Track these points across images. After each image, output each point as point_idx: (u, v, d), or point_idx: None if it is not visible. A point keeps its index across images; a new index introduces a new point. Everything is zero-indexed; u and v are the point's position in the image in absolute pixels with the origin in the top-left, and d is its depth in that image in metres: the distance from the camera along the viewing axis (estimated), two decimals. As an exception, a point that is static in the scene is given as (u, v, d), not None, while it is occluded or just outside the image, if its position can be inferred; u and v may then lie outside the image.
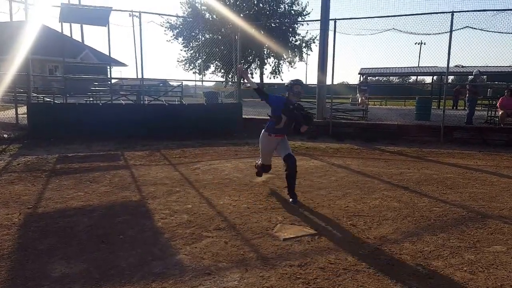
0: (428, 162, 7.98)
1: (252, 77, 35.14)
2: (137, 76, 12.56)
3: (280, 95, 5.26)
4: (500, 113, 11.38)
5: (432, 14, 10.58)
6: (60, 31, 13.71)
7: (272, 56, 33.92)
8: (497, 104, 11.83)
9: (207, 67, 29.56)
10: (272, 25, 29.91)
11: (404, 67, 28.29)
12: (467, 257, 3.39)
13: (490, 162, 8.03)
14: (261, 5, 32.39)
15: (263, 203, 4.87)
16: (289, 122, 5.03)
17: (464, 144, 10.00)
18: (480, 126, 11.35)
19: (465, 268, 3.17)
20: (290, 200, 4.96)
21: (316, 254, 3.40)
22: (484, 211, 4.70)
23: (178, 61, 32.23)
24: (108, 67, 17.31)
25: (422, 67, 29.35)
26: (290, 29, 32.29)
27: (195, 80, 30.90)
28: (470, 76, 12.92)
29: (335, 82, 12.92)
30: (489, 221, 4.34)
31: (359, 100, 16.85)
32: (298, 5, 32.37)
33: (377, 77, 33.68)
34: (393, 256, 3.40)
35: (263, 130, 5.24)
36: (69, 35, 31.32)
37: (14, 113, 10.30)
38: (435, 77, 30.33)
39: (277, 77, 34.51)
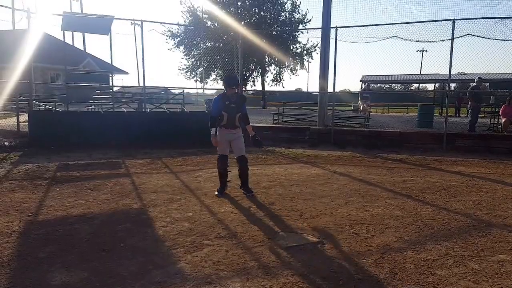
0: (431, 170, 7.95)
1: (254, 85, 35.32)
2: (138, 84, 12.63)
3: (219, 95, 5.48)
4: (503, 120, 11.37)
5: (434, 22, 10.62)
6: (62, 39, 13.82)
7: (274, 63, 34.06)
8: (500, 112, 11.83)
9: (209, 75, 29.69)
10: (274, 33, 30.05)
11: (406, 75, 28.34)
12: (471, 266, 3.35)
13: (494, 170, 7.99)
14: (262, 13, 32.62)
15: (264, 211, 4.85)
16: (230, 117, 5.35)
17: (467, 152, 9.96)
18: (483, 133, 11.31)
19: (469, 277, 3.13)
20: (247, 194, 5.50)
21: (319, 263, 3.37)
22: (488, 220, 4.66)
23: (179, 69, 32.46)
24: (110, 75, 17.51)
25: (424, 74, 29.38)
26: (291, 37, 32.47)
27: (197, 88, 30.96)
28: (472, 84, 12.88)
29: (336, 90, 12.94)
30: (493, 229, 4.30)
31: (361, 107, 16.87)
32: (299, 13, 32.59)
33: (379, 85, 33.75)
34: (397, 264, 3.36)
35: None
36: (71, 43, 31.53)
37: (15, 120, 10.32)
38: (437, 85, 30.33)
39: (278, 85, 34.66)
